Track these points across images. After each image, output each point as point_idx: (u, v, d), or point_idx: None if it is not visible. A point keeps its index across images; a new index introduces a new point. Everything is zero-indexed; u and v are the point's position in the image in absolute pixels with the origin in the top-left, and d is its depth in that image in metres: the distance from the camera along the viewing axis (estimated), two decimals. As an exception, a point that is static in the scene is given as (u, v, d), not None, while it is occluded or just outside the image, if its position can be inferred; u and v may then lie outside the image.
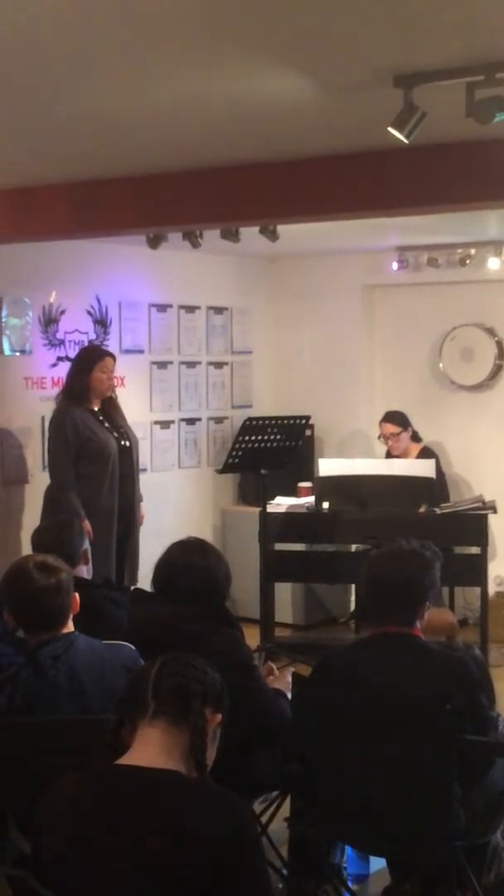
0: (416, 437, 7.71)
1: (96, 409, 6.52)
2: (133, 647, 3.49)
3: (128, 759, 2.32)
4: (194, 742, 2.34)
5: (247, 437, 6.87)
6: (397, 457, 7.60)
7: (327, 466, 7.23)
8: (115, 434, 6.52)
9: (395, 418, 7.61)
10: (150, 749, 2.32)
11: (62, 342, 7.22)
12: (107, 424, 6.52)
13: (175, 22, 3.07)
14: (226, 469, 7.11)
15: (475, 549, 6.92)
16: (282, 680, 4.05)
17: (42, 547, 4.55)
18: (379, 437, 7.72)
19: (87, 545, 4.47)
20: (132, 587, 6.10)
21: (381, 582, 3.55)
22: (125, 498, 6.51)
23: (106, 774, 2.32)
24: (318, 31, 3.17)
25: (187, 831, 2.16)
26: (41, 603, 3.37)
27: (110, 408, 6.60)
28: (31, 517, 6.85)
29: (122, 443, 6.53)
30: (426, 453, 7.60)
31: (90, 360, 6.55)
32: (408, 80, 3.52)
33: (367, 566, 3.64)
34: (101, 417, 6.52)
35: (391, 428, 7.59)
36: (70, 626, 3.42)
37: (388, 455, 7.72)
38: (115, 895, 2.16)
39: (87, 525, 6.15)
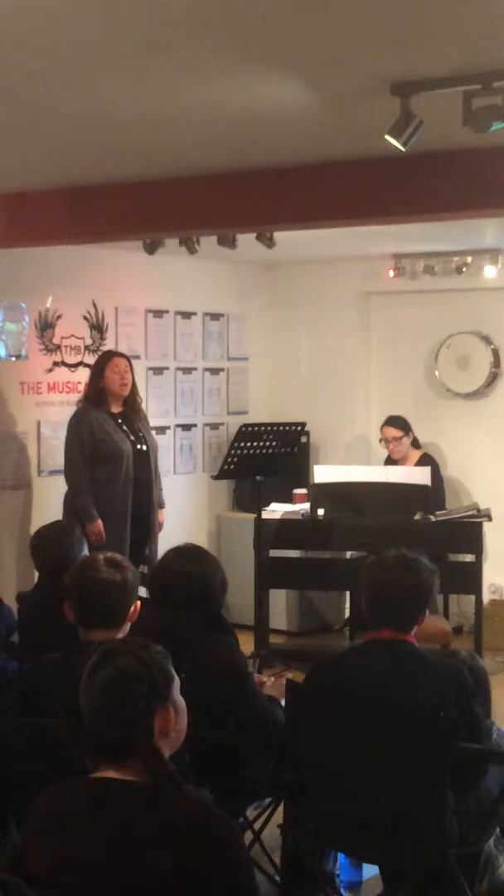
0: (415, 444, 7.73)
1: (116, 411, 6.60)
2: None
3: (104, 769, 2.26)
4: (150, 770, 2.22)
5: (242, 444, 6.87)
6: (397, 461, 7.62)
7: (323, 473, 7.23)
8: (132, 438, 6.59)
9: (398, 422, 7.65)
10: (119, 767, 2.25)
11: (58, 347, 7.23)
12: (125, 428, 6.60)
13: (173, 29, 3.08)
14: (221, 475, 7.11)
15: (470, 557, 6.91)
16: (276, 687, 4.05)
17: (42, 551, 4.58)
18: (380, 441, 7.73)
19: (86, 551, 4.48)
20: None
21: (390, 586, 3.51)
22: (140, 502, 6.56)
23: (82, 787, 2.27)
24: (316, 39, 3.17)
25: (167, 845, 2.12)
26: (102, 597, 3.39)
27: (132, 412, 6.69)
28: (28, 522, 6.86)
29: (139, 447, 6.59)
30: (426, 460, 7.60)
31: (101, 363, 6.69)
32: (405, 89, 3.54)
33: (373, 570, 3.60)
34: (119, 420, 6.60)
35: (393, 432, 7.60)
36: (123, 633, 3.41)
37: (388, 460, 7.73)
38: None
39: (99, 525, 6.29)
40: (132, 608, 3.46)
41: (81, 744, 2.29)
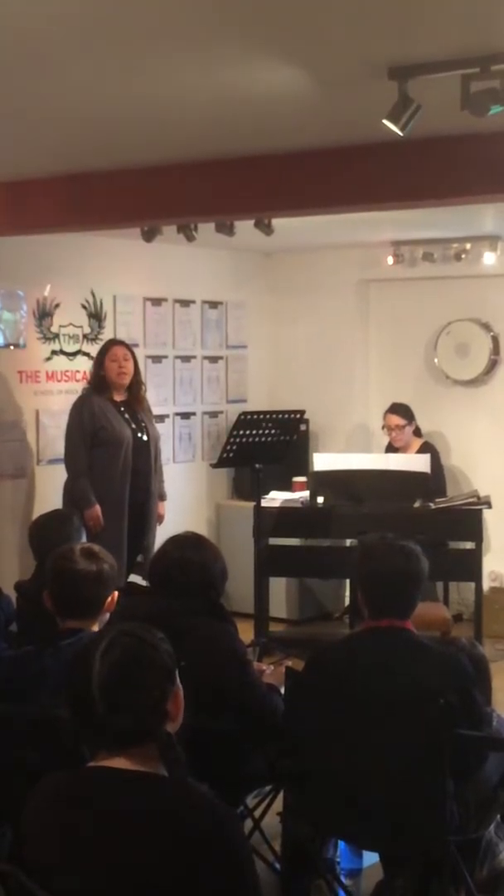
0: (417, 432, 7.71)
1: (118, 399, 6.62)
2: None
3: (106, 758, 2.24)
4: (164, 755, 2.21)
5: (241, 432, 6.86)
6: (398, 449, 7.60)
7: (322, 461, 7.22)
8: (133, 426, 6.60)
9: (401, 410, 7.62)
10: (125, 755, 2.22)
11: (56, 336, 7.21)
12: (126, 416, 6.61)
13: (169, 13, 3.06)
14: (220, 463, 7.10)
15: (470, 545, 6.91)
16: (275, 675, 4.04)
17: (39, 539, 4.58)
18: (383, 428, 7.71)
19: (84, 540, 4.48)
20: (126, 580, 6.13)
21: (386, 578, 3.50)
22: (138, 491, 6.56)
23: (83, 777, 2.25)
24: (312, 23, 3.15)
25: (168, 835, 2.10)
26: (77, 588, 3.40)
27: (135, 402, 6.69)
28: (29, 512, 6.85)
29: (139, 435, 6.61)
30: (427, 449, 7.58)
31: (101, 353, 6.71)
32: (403, 73, 3.51)
33: (366, 563, 3.59)
34: (122, 408, 6.61)
35: (396, 420, 7.58)
36: (98, 624, 3.42)
37: (389, 447, 7.71)
38: None
39: (97, 510, 6.33)
40: (109, 599, 3.47)
41: (83, 732, 2.28)
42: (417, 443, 7.68)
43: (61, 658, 3.28)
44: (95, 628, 3.40)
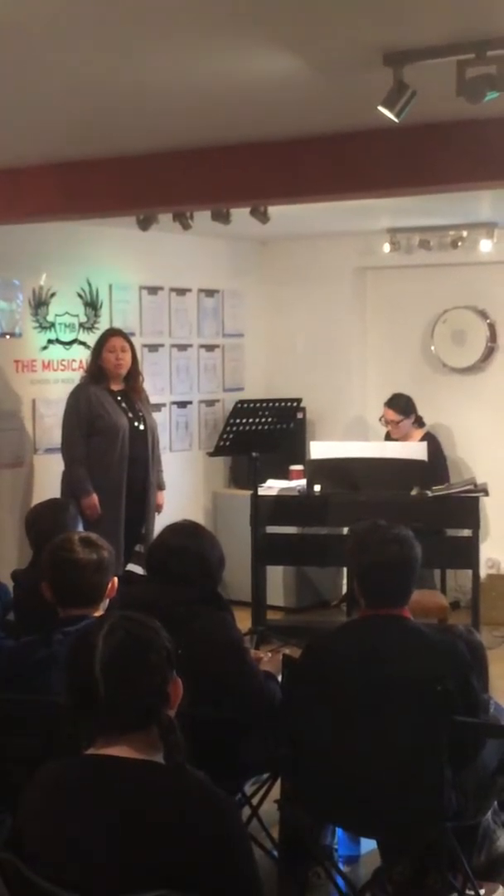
0: (419, 422, 7.68)
1: (116, 389, 6.62)
2: None
3: (105, 746, 2.23)
4: (164, 739, 2.22)
5: (238, 420, 6.86)
6: (397, 440, 7.58)
7: (319, 449, 7.22)
8: (130, 415, 6.60)
9: (398, 405, 7.56)
10: (125, 742, 2.23)
11: (52, 325, 7.20)
12: (123, 405, 6.62)
13: (164, 0, 3.04)
14: (217, 452, 7.11)
15: (467, 532, 6.92)
16: (272, 663, 4.04)
17: (36, 527, 4.59)
18: (380, 419, 7.70)
19: (80, 529, 4.49)
20: (124, 569, 6.14)
21: (383, 569, 3.49)
22: (136, 480, 6.57)
23: (83, 765, 2.25)
24: (307, 8, 3.13)
25: (167, 823, 2.10)
26: (78, 577, 3.41)
27: (132, 392, 6.69)
28: (24, 500, 6.85)
29: (136, 424, 6.61)
30: (428, 439, 7.55)
31: (99, 343, 6.72)
32: (398, 59, 3.49)
33: (361, 554, 3.58)
34: (119, 398, 6.62)
35: (392, 414, 7.56)
36: (100, 610, 3.43)
37: (388, 437, 7.70)
38: (94, 891, 2.12)
39: (94, 499, 6.35)
40: (109, 585, 3.47)
41: (83, 718, 2.28)
42: (419, 434, 7.64)
43: (69, 644, 3.28)
44: (99, 614, 3.40)
